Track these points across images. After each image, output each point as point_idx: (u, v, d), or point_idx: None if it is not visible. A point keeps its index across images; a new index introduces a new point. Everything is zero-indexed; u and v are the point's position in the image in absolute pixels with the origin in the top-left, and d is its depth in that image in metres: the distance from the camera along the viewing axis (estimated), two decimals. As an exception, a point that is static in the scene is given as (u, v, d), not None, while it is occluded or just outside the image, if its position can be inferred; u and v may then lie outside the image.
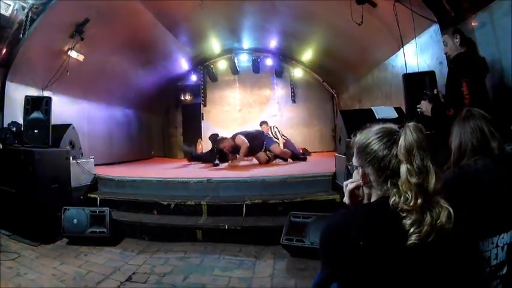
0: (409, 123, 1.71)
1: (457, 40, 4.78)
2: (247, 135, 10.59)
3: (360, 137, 1.86)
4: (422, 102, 4.89)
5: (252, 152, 10.59)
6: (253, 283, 4.40)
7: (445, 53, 5.13)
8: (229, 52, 15.71)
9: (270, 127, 13.47)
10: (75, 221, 5.87)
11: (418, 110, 4.91)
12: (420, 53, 7.06)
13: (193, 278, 4.59)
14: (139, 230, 6.28)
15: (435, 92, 5.01)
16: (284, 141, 12.74)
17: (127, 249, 5.70)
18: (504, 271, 2.12)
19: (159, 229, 6.22)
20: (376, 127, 1.82)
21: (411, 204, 1.55)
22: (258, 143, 10.54)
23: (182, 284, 4.43)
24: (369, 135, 1.80)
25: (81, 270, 4.85)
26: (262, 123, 13.52)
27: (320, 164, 9.56)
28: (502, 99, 4.79)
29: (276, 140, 11.83)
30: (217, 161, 10.86)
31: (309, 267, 4.69)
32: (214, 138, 11.68)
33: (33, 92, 8.13)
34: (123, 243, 5.98)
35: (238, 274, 4.67)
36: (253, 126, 13.17)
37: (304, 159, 11.20)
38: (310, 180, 7.06)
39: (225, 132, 11.80)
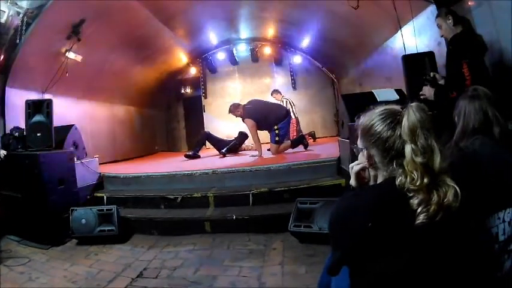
0: (412, 103, 1.72)
1: (450, 21, 4.74)
2: (261, 111, 10.07)
3: (363, 119, 1.87)
4: (424, 88, 4.84)
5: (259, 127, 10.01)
6: (264, 271, 4.42)
7: (441, 36, 5.09)
8: (227, 43, 15.64)
9: (287, 100, 13.37)
10: (83, 221, 5.88)
11: (422, 97, 4.87)
12: (418, 35, 7.01)
13: (203, 270, 4.61)
14: (148, 225, 6.30)
15: (432, 75, 4.96)
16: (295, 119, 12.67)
17: (137, 246, 5.72)
18: (512, 246, 2.12)
19: (167, 223, 6.25)
20: (379, 108, 1.83)
21: (417, 183, 1.56)
22: (268, 122, 9.88)
23: (193, 277, 4.45)
24: (372, 117, 1.81)
25: (92, 269, 4.87)
26: (274, 91, 13.40)
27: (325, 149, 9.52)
28: (502, 79, 4.76)
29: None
30: (224, 150, 10.70)
31: (318, 252, 4.71)
32: (243, 135, 11.42)
33: (34, 96, 8.07)
34: (133, 240, 6.00)
35: (249, 263, 4.70)
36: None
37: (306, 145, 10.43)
38: (315, 166, 7.10)
39: (227, 124, 11.72)
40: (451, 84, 4.57)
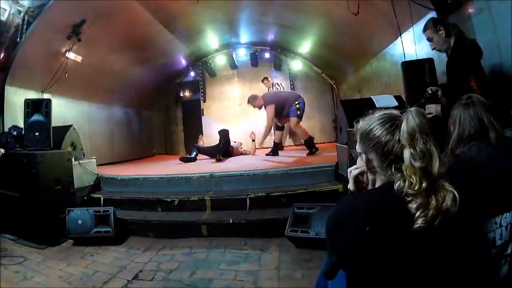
0: (411, 108, 1.71)
1: (442, 32, 4.64)
2: (280, 95, 10.59)
3: (362, 123, 1.86)
4: (430, 106, 4.63)
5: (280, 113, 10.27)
6: (260, 276, 4.41)
7: (433, 49, 4.93)
8: (227, 47, 15.73)
9: (274, 84, 13.71)
10: (79, 221, 5.87)
11: (429, 116, 4.75)
12: (418, 42, 6.99)
13: (199, 274, 4.60)
14: (144, 227, 6.28)
15: (430, 92, 4.84)
16: None
17: (132, 248, 5.70)
18: (509, 250, 2.12)
19: (163, 226, 6.24)
20: (378, 113, 1.83)
21: (416, 188, 1.55)
22: (289, 103, 10.11)
23: (189, 280, 4.43)
24: (371, 121, 1.81)
25: (87, 270, 4.86)
26: (265, 78, 13.56)
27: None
28: (501, 85, 4.72)
29: None
30: (220, 156, 10.62)
31: (315, 257, 4.70)
32: (224, 133, 11.38)
33: (33, 95, 8.09)
34: (129, 242, 5.98)
35: (245, 267, 4.69)
36: (254, 120, 13.46)
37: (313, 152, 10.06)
38: (312, 171, 7.07)
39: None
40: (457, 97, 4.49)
